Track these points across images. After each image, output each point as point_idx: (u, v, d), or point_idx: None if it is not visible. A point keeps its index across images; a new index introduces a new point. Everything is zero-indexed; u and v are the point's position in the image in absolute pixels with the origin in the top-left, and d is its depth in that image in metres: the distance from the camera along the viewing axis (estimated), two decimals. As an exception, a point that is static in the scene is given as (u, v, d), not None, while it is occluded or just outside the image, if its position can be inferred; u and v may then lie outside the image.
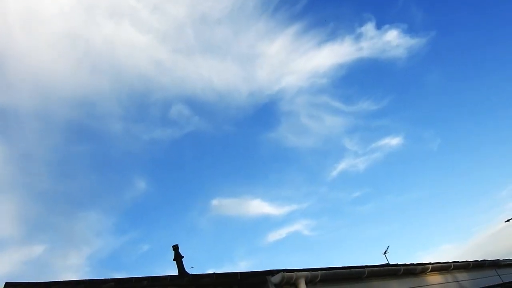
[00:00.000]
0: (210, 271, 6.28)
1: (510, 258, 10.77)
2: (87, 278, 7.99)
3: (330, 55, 27.88)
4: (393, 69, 29.11)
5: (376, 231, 28.22)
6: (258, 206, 28.69)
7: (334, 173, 30.08)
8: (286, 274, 5.44)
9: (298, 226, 29.35)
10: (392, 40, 27.96)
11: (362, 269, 6.57)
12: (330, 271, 6.06)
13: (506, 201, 28.96)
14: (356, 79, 29.57)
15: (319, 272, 5.84)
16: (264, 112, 29.44)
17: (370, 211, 30.32)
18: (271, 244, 28.19)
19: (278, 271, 5.46)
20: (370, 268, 6.72)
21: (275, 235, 29.43)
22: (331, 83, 28.91)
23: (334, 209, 31.18)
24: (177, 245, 6.98)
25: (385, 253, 14.61)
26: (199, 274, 6.28)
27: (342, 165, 30.18)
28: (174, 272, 7.15)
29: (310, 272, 5.75)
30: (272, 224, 29.36)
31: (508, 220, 14.00)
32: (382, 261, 14.26)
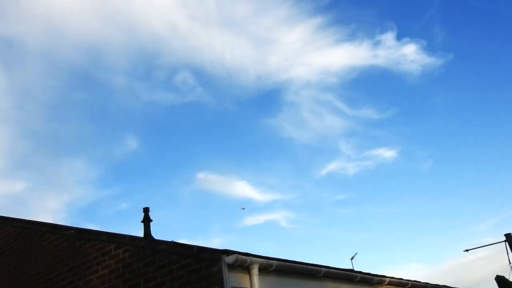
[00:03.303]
0: (182, 241, 6.27)
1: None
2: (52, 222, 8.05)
3: (345, 55, 27.70)
4: (404, 83, 28.99)
5: (351, 236, 28.39)
6: (242, 188, 28.73)
7: (323, 172, 30.16)
8: (240, 256, 5.42)
9: (277, 216, 29.53)
10: (409, 54, 27.78)
11: (318, 268, 6.56)
12: (286, 263, 6.06)
13: (483, 235, 29.18)
14: (365, 85, 29.44)
15: (274, 262, 5.83)
16: (268, 98, 29.33)
17: (350, 216, 30.56)
18: (248, 227, 28.36)
19: (233, 252, 5.43)
20: (327, 269, 6.71)
21: (253, 220, 29.54)
22: (340, 83, 28.81)
23: (315, 207, 31.33)
24: (147, 208, 6.97)
25: (352, 258, 14.68)
26: (157, 240, 6.31)
27: (332, 166, 30.29)
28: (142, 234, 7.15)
29: (266, 259, 5.74)
30: (252, 208, 29.46)
31: (467, 250, 14.19)
32: (348, 266, 14.34)
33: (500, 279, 9.69)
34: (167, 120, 28.90)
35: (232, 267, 5.39)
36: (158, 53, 26.75)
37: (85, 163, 27.54)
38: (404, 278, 8.41)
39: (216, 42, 26.99)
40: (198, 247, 5.66)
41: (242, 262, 5.42)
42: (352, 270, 7.74)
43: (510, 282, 9.88)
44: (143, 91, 27.09)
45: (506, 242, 12.89)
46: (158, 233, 6.97)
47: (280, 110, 29.96)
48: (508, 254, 12.78)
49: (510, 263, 12.50)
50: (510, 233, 13.06)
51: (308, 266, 6.42)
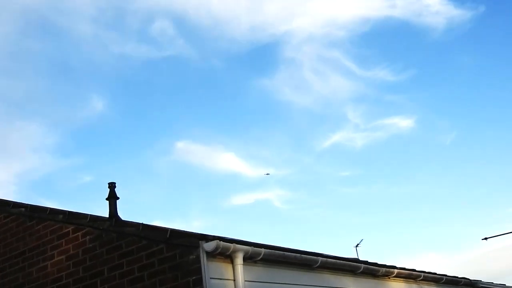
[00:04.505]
0: (157, 223, 5.67)
1: (493, 282, 9.97)
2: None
3: (356, 4, 24.78)
4: (425, 39, 25.98)
5: (356, 219, 26.38)
6: (229, 161, 26.47)
7: (327, 143, 27.82)
8: (222, 243, 4.77)
9: (270, 195, 27.49)
10: (433, 5, 24.89)
11: (315, 256, 5.88)
12: (276, 251, 5.37)
13: (509, 221, 27.35)
14: (378, 40, 26.38)
15: (262, 250, 5.16)
16: (263, 53, 26.46)
17: (356, 196, 28.07)
18: (235, 207, 26.48)
19: (213, 238, 4.79)
20: (325, 258, 6.03)
21: (241, 199, 27.67)
22: (349, 38, 26.16)
23: (315, 185, 28.87)
24: (114, 183, 6.29)
25: (357, 246, 13.71)
26: (124, 221, 5.71)
27: (337, 136, 27.83)
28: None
29: (252, 247, 5.08)
30: (241, 185, 27.24)
31: (485, 238, 13.54)
32: (352, 254, 13.45)
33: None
34: (141, 78, 25.98)
35: (212, 255, 4.85)
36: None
37: (40, 127, 25.09)
38: (416, 270, 7.72)
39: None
40: (172, 230, 5.14)
41: (224, 250, 4.84)
42: (356, 260, 7.05)
43: None
44: (113, 42, 24.49)
45: (531, 230, 12.10)
46: (127, 213, 6.30)
47: (277, 68, 27.45)
48: (532, 243, 11.99)
49: (534, 252, 11.69)
50: (535, 220, 12.22)
51: (302, 255, 5.78)
